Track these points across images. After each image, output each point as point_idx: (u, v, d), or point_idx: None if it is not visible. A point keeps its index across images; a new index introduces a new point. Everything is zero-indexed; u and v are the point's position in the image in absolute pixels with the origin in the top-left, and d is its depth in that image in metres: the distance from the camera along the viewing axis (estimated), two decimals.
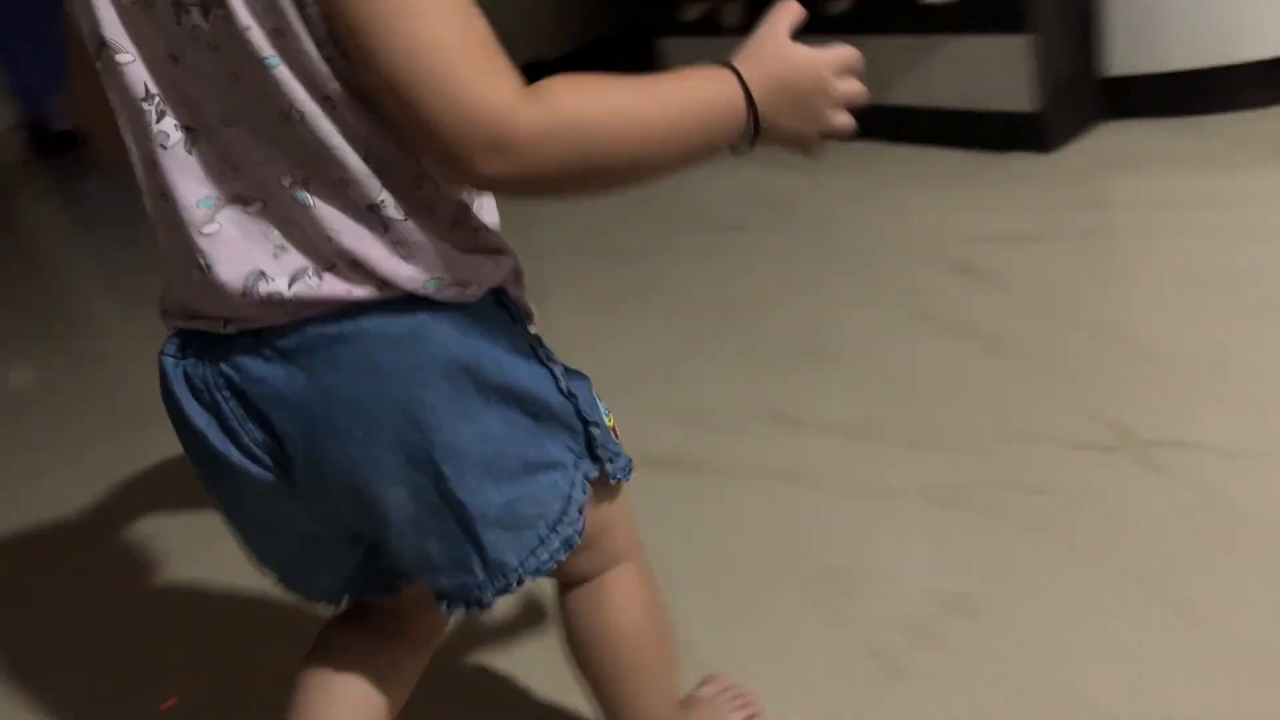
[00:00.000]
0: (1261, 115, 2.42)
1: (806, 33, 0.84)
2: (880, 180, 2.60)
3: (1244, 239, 1.95)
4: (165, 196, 0.78)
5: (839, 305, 2.13)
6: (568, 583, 1.02)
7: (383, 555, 0.94)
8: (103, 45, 0.76)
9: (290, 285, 0.77)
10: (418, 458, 0.82)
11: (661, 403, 1.87)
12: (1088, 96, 2.55)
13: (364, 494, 0.83)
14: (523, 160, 0.71)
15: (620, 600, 1.01)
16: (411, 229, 0.78)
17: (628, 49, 4.23)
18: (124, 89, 0.77)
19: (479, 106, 0.70)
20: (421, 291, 0.79)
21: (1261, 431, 1.45)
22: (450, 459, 0.82)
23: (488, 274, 0.83)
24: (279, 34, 0.72)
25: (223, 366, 0.82)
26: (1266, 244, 1.92)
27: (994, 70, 2.49)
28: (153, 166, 0.78)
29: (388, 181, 0.77)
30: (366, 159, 0.76)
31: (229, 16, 0.72)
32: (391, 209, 0.77)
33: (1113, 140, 2.50)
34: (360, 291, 0.78)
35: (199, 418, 0.84)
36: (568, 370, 0.90)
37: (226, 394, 0.82)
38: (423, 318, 0.79)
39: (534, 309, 0.91)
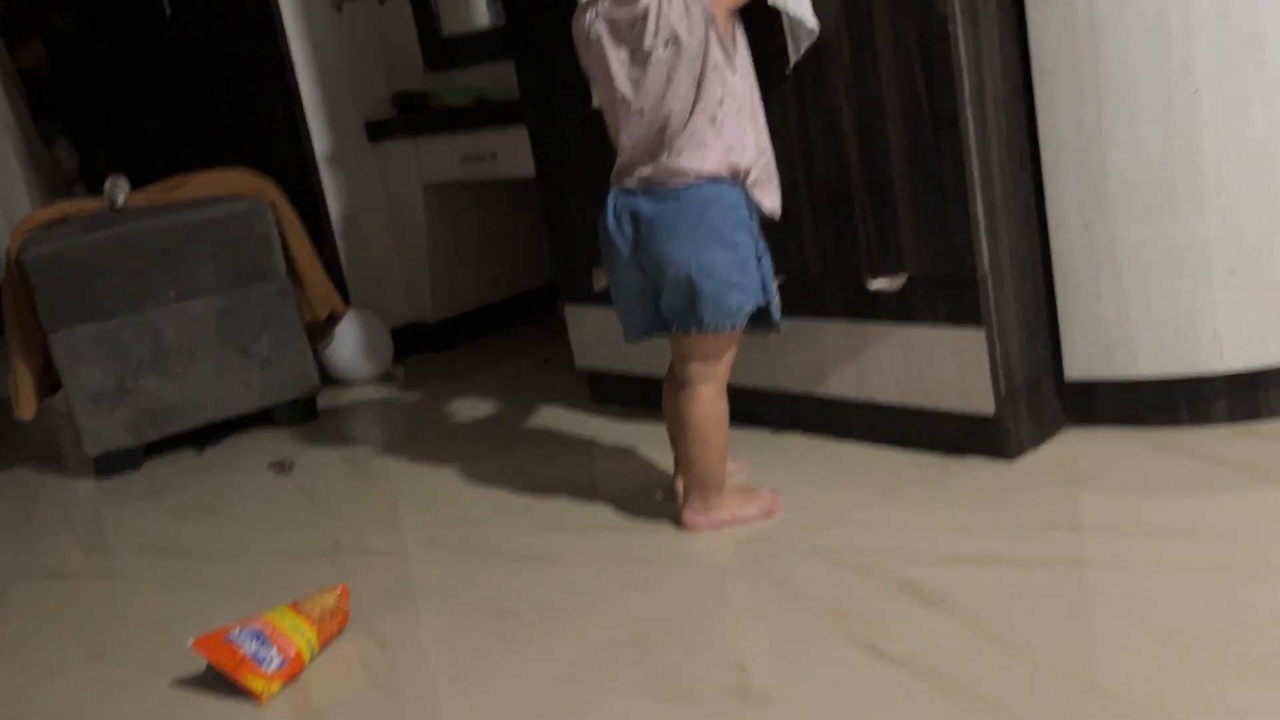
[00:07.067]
0: (1233, 431, 2.32)
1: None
2: (815, 481, 2.43)
3: (1233, 579, 1.80)
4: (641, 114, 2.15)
5: (765, 632, 1.93)
6: (682, 383, 2.24)
7: (660, 309, 2.23)
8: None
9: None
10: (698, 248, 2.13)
11: None
12: (1050, 401, 2.44)
13: (670, 264, 2.13)
14: None
15: (703, 400, 2.22)
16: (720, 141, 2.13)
17: (532, 312, 4.22)
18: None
19: None
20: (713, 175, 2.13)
21: None
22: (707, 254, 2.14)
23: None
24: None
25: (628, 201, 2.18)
26: (1260, 586, 1.77)
27: (946, 366, 2.38)
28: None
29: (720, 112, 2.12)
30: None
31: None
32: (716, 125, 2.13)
33: (1078, 451, 2.36)
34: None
35: (611, 226, 2.19)
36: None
37: (625, 214, 2.18)
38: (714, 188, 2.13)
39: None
